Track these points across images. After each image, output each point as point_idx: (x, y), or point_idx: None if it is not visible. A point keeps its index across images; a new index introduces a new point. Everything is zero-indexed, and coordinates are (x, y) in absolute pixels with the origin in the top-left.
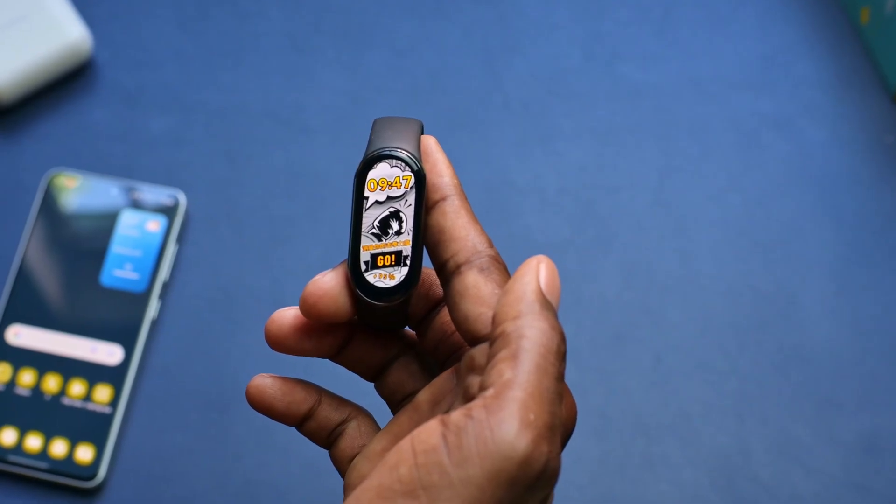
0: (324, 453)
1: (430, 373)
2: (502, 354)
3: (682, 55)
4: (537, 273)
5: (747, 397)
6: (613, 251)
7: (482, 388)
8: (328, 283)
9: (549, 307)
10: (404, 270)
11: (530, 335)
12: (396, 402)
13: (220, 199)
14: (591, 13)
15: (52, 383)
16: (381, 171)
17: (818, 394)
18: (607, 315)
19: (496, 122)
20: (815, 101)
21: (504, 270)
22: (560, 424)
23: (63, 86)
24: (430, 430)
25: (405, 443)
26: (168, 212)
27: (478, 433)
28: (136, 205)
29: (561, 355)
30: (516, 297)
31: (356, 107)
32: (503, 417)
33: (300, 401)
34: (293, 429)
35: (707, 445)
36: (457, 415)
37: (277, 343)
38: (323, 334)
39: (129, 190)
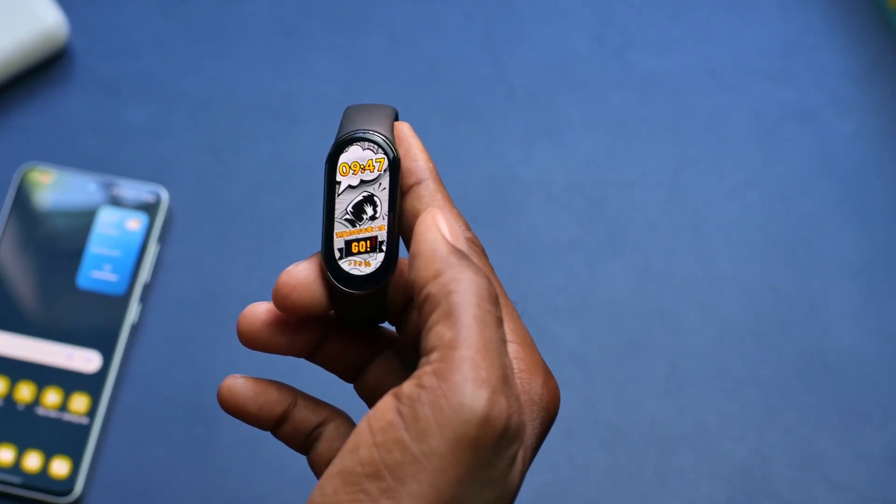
0: None
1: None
2: (436, 316)
3: (699, 41)
4: (438, 227)
5: (768, 407)
6: (625, 251)
7: (424, 353)
8: (301, 272)
9: (464, 256)
10: (380, 256)
11: (459, 289)
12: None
13: (205, 195)
14: None
15: (25, 392)
16: (352, 154)
17: (843, 403)
18: (618, 319)
19: (499, 113)
20: (840, 90)
21: (482, 253)
22: (512, 374)
23: (37, 74)
24: (384, 407)
25: (362, 423)
26: (149, 209)
27: (432, 401)
28: (116, 201)
29: (494, 300)
30: (428, 257)
31: (349, 96)
32: (455, 381)
33: (274, 402)
34: (282, 442)
35: (725, 458)
36: (408, 386)
37: (249, 339)
38: (298, 330)
39: (107, 186)
